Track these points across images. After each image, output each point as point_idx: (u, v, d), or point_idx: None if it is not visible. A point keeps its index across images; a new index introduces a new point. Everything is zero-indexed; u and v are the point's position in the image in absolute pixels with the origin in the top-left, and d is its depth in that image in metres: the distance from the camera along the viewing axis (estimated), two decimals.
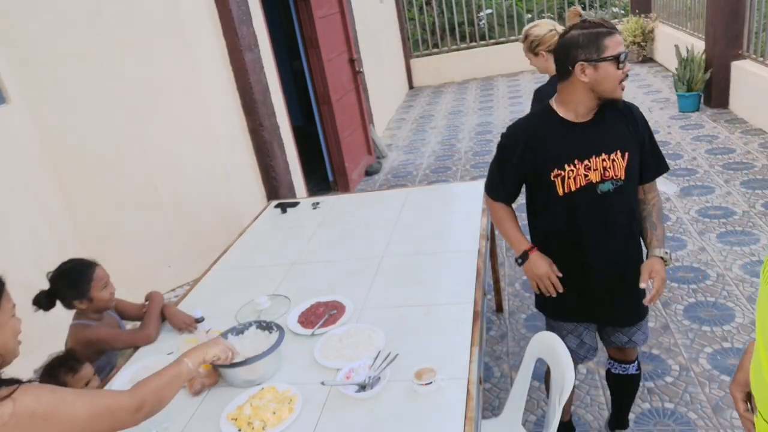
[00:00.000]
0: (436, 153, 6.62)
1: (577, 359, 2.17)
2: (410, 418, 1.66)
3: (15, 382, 1.24)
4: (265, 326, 2.09)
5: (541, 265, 2.03)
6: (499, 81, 9.62)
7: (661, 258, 1.95)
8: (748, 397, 1.40)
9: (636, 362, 2.27)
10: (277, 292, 2.47)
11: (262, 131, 4.48)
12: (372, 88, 7.17)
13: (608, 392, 2.56)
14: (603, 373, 2.76)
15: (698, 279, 3.43)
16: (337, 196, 3.77)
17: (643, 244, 2.06)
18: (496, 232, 3.78)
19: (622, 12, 10.10)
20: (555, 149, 1.92)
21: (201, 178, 4.24)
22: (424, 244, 2.71)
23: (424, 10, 10.46)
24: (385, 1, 9.04)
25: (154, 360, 2.16)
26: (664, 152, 2.03)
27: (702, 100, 6.34)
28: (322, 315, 2.21)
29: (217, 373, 1.98)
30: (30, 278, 3.30)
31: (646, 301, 1.94)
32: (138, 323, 2.45)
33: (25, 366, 2.20)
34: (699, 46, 6.50)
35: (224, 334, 2.08)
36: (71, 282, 2.26)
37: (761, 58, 5.58)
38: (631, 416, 2.53)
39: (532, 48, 2.85)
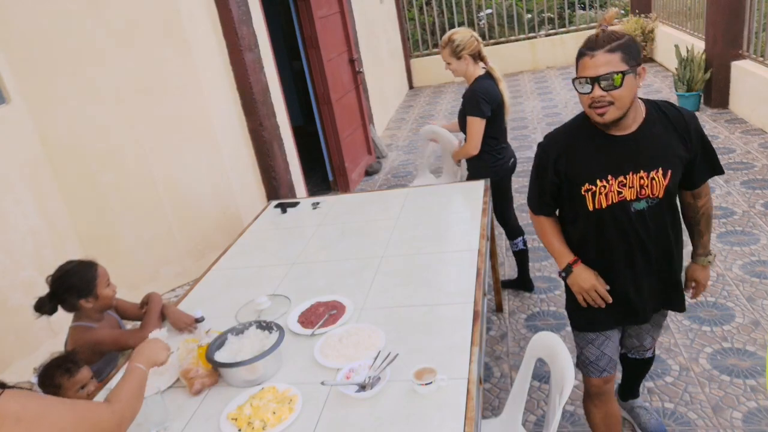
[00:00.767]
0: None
1: (595, 372, 2.10)
2: (410, 418, 1.66)
3: (1, 386, 1.24)
4: (265, 326, 2.09)
5: (587, 277, 1.96)
6: None
7: (703, 266, 2.05)
8: None
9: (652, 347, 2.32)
10: (277, 292, 2.47)
11: (262, 131, 4.48)
12: (372, 88, 7.17)
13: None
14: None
15: None
16: (337, 196, 3.77)
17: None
18: (496, 232, 3.78)
19: (622, 12, 10.09)
20: (588, 163, 1.85)
21: (201, 178, 4.24)
22: (424, 244, 2.71)
23: (424, 10, 10.46)
24: (385, 1, 9.04)
25: None
26: None
27: (702, 100, 6.34)
28: (322, 315, 2.21)
29: (217, 373, 1.98)
30: (30, 278, 3.32)
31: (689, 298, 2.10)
32: (138, 323, 2.45)
33: (25, 366, 2.21)
34: (699, 46, 6.50)
35: (224, 334, 2.08)
36: (78, 280, 2.27)
37: (761, 58, 5.58)
38: None
39: (457, 52, 3.14)
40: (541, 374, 2.86)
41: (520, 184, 5.29)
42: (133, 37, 3.79)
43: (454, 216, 2.98)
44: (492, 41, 10.10)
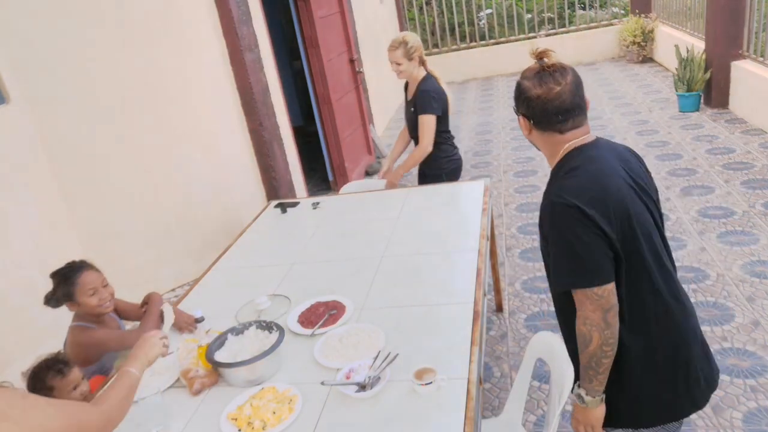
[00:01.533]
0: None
1: None
2: (410, 418, 1.66)
3: None
4: (265, 326, 2.09)
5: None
6: (499, 81, 9.62)
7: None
8: None
9: None
10: (277, 292, 2.47)
11: (262, 131, 4.48)
12: (372, 88, 7.17)
13: None
14: None
15: (698, 279, 3.43)
16: (337, 196, 3.77)
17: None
18: (497, 233, 3.77)
19: (622, 12, 10.10)
20: None
21: (201, 178, 4.24)
22: (424, 244, 2.71)
23: (424, 10, 10.46)
24: (385, 1, 9.03)
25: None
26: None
27: (702, 100, 6.34)
28: (322, 315, 2.21)
29: (217, 373, 1.98)
30: (30, 278, 3.32)
31: None
32: (138, 323, 2.45)
33: (25, 366, 2.21)
34: (699, 46, 6.50)
35: (224, 334, 2.08)
36: (58, 284, 2.27)
37: (761, 58, 5.58)
38: None
39: (410, 53, 3.30)
40: (541, 374, 2.86)
41: (520, 184, 5.30)
42: (133, 37, 3.79)
43: (454, 216, 2.98)
44: (492, 41, 10.11)
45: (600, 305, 1.45)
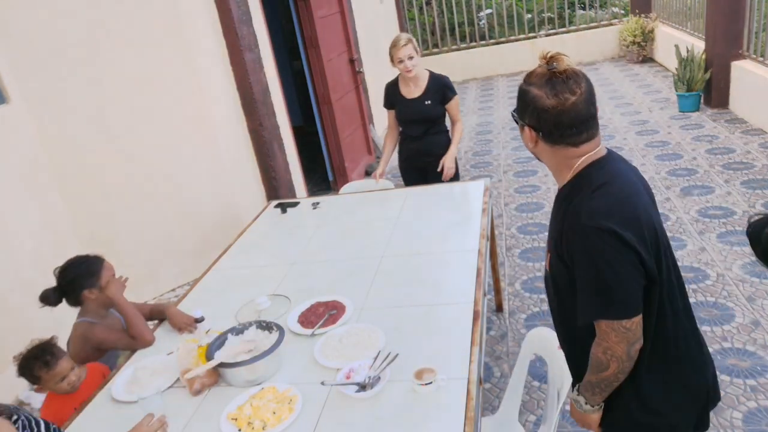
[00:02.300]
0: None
1: None
2: (410, 418, 1.66)
3: None
4: (265, 326, 2.09)
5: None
6: (499, 81, 9.62)
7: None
8: None
9: None
10: (277, 292, 2.47)
11: (262, 131, 4.48)
12: (372, 88, 7.17)
13: None
14: None
15: (698, 279, 3.43)
16: (337, 196, 3.77)
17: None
18: (496, 232, 3.77)
19: (622, 12, 10.09)
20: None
21: (201, 178, 4.24)
22: (424, 244, 2.71)
23: (424, 10, 10.46)
24: (385, 1, 9.03)
25: (154, 360, 2.16)
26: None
27: (702, 100, 6.34)
28: (322, 315, 2.21)
29: (217, 373, 1.98)
30: (30, 278, 3.32)
31: None
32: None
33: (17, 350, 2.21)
34: (699, 46, 6.50)
35: (224, 334, 2.08)
36: (84, 269, 2.29)
37: (761, 58, 5.58)
38: None
39: (417, 49, 3.46)
40: (542, 374, 2.86)
41: (520, 184, 5.30)
42: (133, 37, 3.79)
43: (454, 216, 2.98)
44: (492, 41, 10.10)
45: (626, 338, 1.34)
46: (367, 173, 6.29)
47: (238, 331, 2.10)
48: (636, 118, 6.50)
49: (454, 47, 10.21)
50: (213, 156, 4.27)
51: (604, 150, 1.45)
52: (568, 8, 9.90)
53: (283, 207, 3.43)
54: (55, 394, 2.15)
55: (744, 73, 5.76)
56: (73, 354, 2.25)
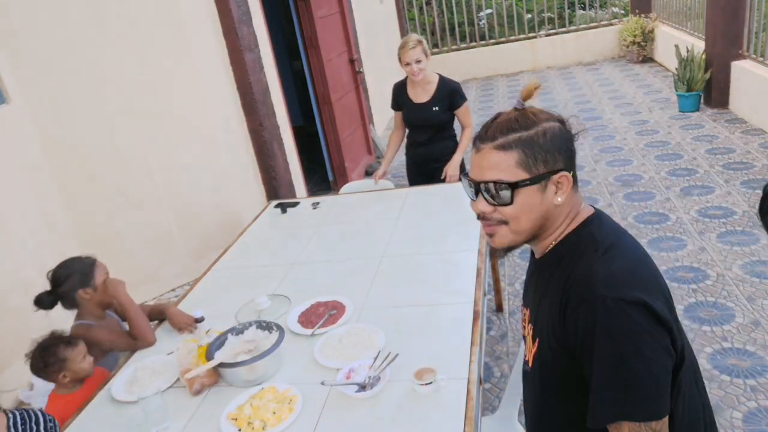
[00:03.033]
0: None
1: None
2: (410, 418, 1.66)
3: None
4: (265, 326, 2.09)
5: None
6: (499, 81, 9.62)
7: None
8: None
9: None
10: (277, 292, 2.47)
11: (262, 131, 4.48)
12: (372, 88, 7.17)
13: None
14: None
15: (698, 279, 3.43)
16: (337, 196, 3.77)
17: None
18: None
19: (622, 12, 10.10)
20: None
21: (201, 178, 4.24)
22: (424, 244, 2.71)
23: (424, 10, 10.46)
24: (385, 1, 9.03)
25: (155, 360, 2.16)
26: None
27: (702, 100, 6.34)
28: (322, 315, 2.21)
29: (217, 373, 1.98)
30: (30, 278, 3.32)
31: None
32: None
33: (25, 366, 2.21)
34: (699, 46, 6.50)
35: (224, 334, 2.08)
36: (76, 270, 2.28)
37: (761, 58, 5.58)
38: None
39: (426, 51, 3.37)
40: None
41: None
42: (133, 37, 3.79)
43: (454, 216, 2.98)
44: (492, 41, 10.10)
45: None
46: (367, 173, 6.29)
47: (238, 331, 2.10)
48: (636, 118, 6.50)
49: (454, 47, 10.21)
50: (213, 156, 4.27)
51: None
52: (568, 8, 9.90)
53: (283, 207, 3.43)
54: (58, 395, 2.15)
55: (744, 73, 5.76)
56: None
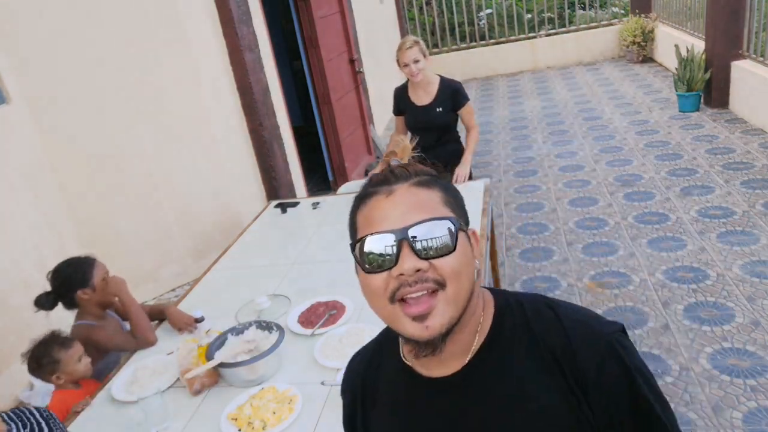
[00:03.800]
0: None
1: None
2: None
3: None
4: (265, 326, 2.09)
5: None
6: (499, 81, 9.62)
7: None
8: None
9: None
10: (277, 292, 2.47)
11: (262, 131, 4.48)
12: (372, 88, 7.17)
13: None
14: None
15: (698, 279, 3.43)
16: (338, 196, 3.77)
17: None
18: (497, 233, 3.78)
19: (622, 12, 10.10)
20: None
21: (201, 178, 4.24)
22: None
23: (424, 10, 10.46)
24: (385, 1, 9.03)
25: (155, 360, 2.16)
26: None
27: (702, 100, 6.34)
28: (322, 315, 2.21)
29: (217, 373, 1.98)
30: (30, 278, 3.32)
31: None
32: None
33: (25, 367, 2.21)
34: (699, 46, 6.50)
35: (224, 334, 2.08)
36: (74, 271, 2.28)
37: (761, 58, 5.58)
38: None
39: (424, 51, 3.34)
40: None
41: (520, 184, 5.30)
42: (133, 37, 3.79)
43: None
44: (492, 41, 10.10)
45: None
46: (368, 173, 6.30)
47: (238, 331, 2.10)
48: (636, 118, 6.50)
49: (454, 47, 10.21)
50: (213, 156, 4.27)
51: None
52: (568, 8, 9.90)
53: (283, 207, 3.43)
54: (62, 392, 2.15)
55: (744, 73, 5.77)
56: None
